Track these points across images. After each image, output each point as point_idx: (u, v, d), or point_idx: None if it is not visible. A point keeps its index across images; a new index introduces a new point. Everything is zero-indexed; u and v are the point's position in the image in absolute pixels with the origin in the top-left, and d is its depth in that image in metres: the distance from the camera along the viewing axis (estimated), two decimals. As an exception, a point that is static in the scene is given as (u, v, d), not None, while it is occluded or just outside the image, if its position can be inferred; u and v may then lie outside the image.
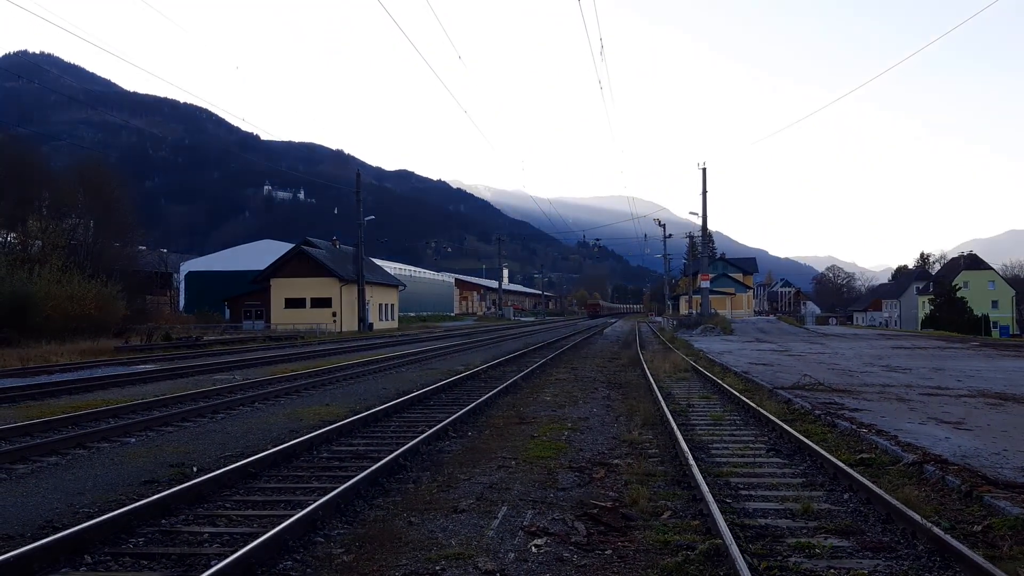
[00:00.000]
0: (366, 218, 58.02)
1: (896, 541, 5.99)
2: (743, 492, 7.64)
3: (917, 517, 6.10)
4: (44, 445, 9.78)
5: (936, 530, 5.77)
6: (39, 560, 5.36)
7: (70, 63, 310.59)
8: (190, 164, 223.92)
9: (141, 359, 27.02)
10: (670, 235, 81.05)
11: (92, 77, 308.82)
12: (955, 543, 5.46)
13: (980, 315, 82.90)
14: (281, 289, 62.39)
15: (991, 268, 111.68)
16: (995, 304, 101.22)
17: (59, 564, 5.47)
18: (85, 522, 6.10)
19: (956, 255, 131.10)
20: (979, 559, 5.11)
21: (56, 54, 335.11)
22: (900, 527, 6.22)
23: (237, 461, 8.59)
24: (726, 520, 6.10)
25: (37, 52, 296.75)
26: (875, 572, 5.33)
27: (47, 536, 5.74)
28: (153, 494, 7.15)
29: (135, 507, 6.54)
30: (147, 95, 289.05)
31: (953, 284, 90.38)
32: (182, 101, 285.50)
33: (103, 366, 23.72)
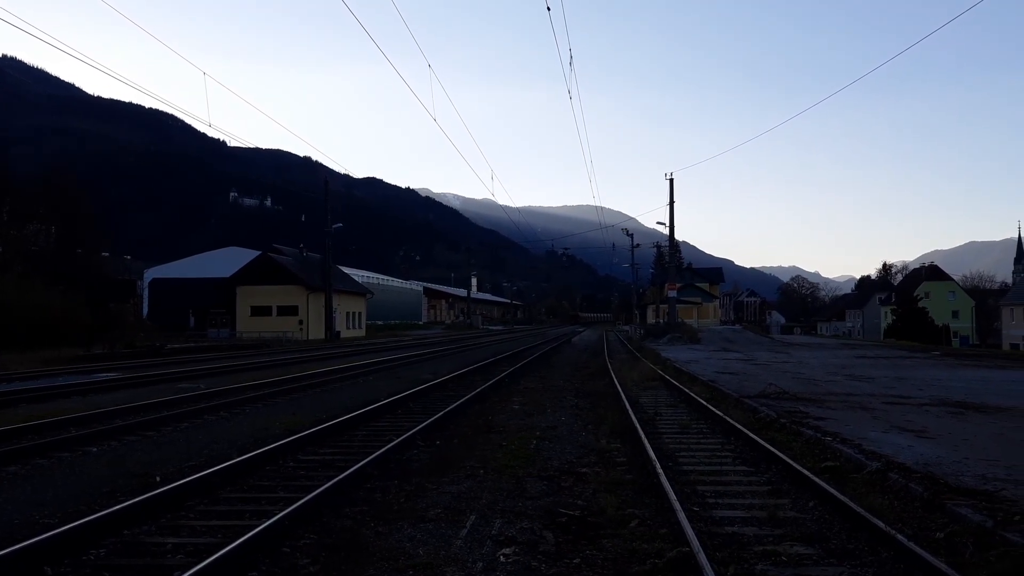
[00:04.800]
0: (334, 226, 57.65)
1: (861, 548, 6.05)
2: (710, 500, 7.68)
3: (881, 524, 6.18)
4: (3, 455, 9.56)
5: (900, 537, 5.85)
6: (-3, 572, 5.25)
7: (33, 66, 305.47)
8: (155, 170, 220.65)
9: (104, 368, 26.62)
10: (638, 245, 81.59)
11: (56, 81, 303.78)
12: (918, 550, 5.54)
13: (941, 325, 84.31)
14: (247, 297, 61.85)
15: (951, 279, 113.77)
16: (955, 314, 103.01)
17: (17, 576, 5.36)
18: (44, 533, 5.97)
19: (918, 266, 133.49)
20: (942, 565, 5.19)
21: (19, 57, 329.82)
22: (864, 534, 6.29)
23: (202, 471, 8.47)
24: (693, 528, 6.14)
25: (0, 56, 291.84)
26: (840, 579, 5.39)
27: (5, 548, 5.60)
28: (115, 504, 7.03)
29: (96, 518, 6.43)
30: (111, 100, 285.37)
31: (915, 295, 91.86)
32: (147, 106, 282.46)
33: (65, 375, 23.32)
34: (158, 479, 8.54)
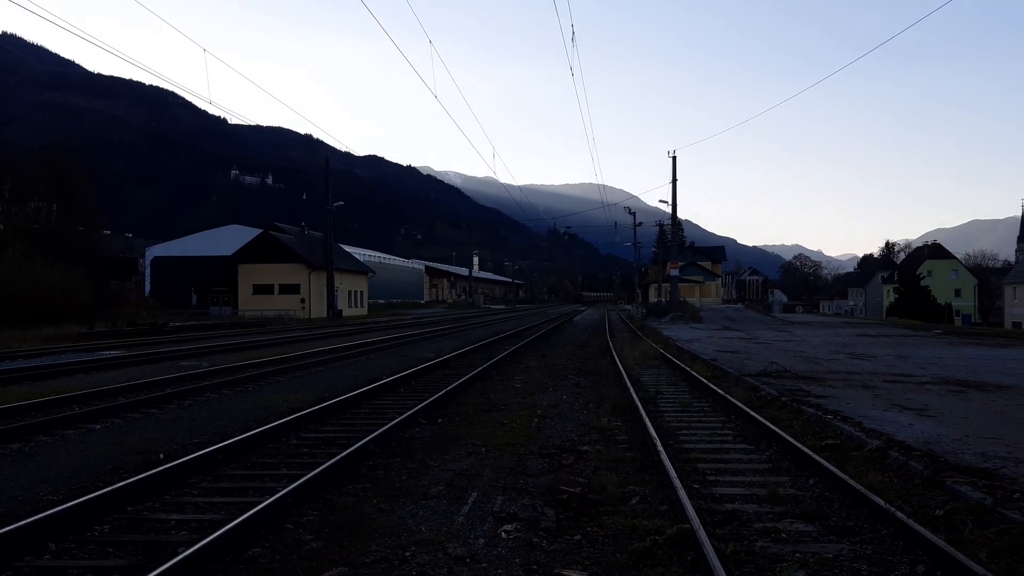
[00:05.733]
0: (335, 204, 57.52)
1: (860, 525, 6.08)
2: (710, 477, 7.71)
3: (881, 502, 6.20)
4: (6, 432, 9.61)
5: (899, 515, 5.87)
6: (1, 549, 5.27)
7: (32, 43, 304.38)
8: (156, 148, 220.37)
9: (106, 345, 26.67)
10: (640, 223, 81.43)
11: (55, 58, 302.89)
12: (918, 527, 5.56)
13: (943, 304, 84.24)
14: (249, 275, 61.88)
15: (954, 257, 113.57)
16: (958, 293, 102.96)
17: (21, 553, 5.40)
18: (48, 510, 6.01)
19: (920, 244, 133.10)
20: (941, 543, 5.21)
21: (19, 34, 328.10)
22: (864, 512, 6.32)
23: (205, 448, 8.51)
24: (694, 505, 6.16)
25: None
26: (839, 556, 5.41)
27: (9, 524, 5.64)
28: (119, 481, 7.07)
29: (100, 494, 6.46)
30: (111, 77, 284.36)
31: (917, 273, 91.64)
32: (147, 83, 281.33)
33: (67, 352, 23.36)
34: (161, 456, 8.58)
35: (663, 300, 66.45)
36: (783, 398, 12.40)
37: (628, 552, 5.49)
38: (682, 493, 6.45)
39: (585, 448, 9.15)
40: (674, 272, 57.01)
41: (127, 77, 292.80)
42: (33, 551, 5.48)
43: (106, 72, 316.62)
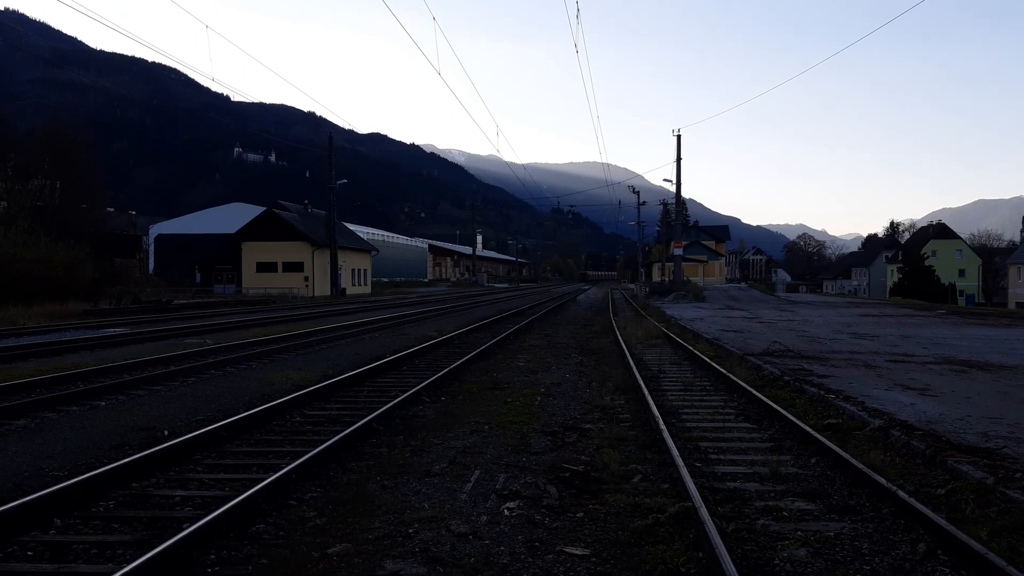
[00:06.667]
0: (338, 182, 57.43)
1: (862, 504, 6.09)
2: (713, 456, 7.73)
3: (882, 481, 6.21)
4: (12, 408, 9.65)
5: (901, 494, 5.88)
6: (7, 524, 5.31)
7: (35, 20, 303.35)
8: (159, 125, 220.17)
9: (110, 323, 26.73)
10: (644, 202, 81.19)
11: (58, 35, 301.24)
12: (919, 506, 5.58)
13: (947, 284, 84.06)
14: (252, 253, 61.89)
15: (959, 237, 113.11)
16: (962, 273, 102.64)
17: (28, 528, 5.43)
18: (54, 485, 6.05)
19: (925, 224, 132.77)
20: (942, 521, 5.22)
21: (21, 10, 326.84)
22: (866, 491, 6.33)
23: (209, 425, 8.54)
24: (696, 483, 6.17)
25: (1, 9, 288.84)
26: (841, 534, 5.43)
27: (15, 499, 5.68)
28: (123, 457, 7.10)
29: (105, 470, 6.49)
30: (114, 54, 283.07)
31: (921, 253, 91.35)
32: (150, 60, 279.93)
33: (72, 329, 23.43)
34: (166, 433, 8.62)
35: (666, 279, 66.41)
36: (786, 377, 12.41)
37: (630, 530, 5.51)
38: (684, 471, 6.47)
39: (588, 426, 9.18)
40: (678, 251, 56.91)
41: (130, 54, 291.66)
42: (39, 526, 5.51)
43: (109, 49, 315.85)
